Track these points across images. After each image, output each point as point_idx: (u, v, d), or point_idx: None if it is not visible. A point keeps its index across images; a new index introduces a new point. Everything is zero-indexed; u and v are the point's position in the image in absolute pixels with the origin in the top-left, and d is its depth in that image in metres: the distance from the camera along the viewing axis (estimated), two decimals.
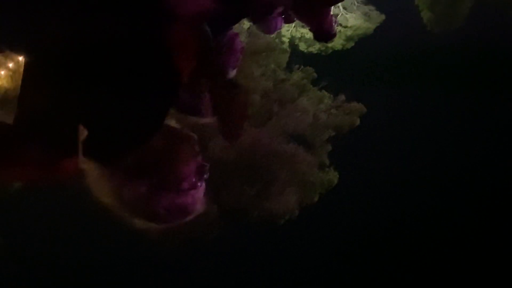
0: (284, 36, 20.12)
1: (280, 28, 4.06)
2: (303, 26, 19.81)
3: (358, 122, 17.74)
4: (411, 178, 19.17)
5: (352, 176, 17.93)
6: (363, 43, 20.51)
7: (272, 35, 17.53)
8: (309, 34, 19.52)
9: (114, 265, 16.54)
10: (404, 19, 20.87)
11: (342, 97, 18.11)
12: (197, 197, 2.52)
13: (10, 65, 14.54)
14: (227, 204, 15.37)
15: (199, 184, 2.49)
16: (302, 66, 18.36)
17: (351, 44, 20.55)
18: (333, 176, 17.12)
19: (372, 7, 20.79)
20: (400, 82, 20.73)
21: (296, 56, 19.11)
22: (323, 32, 3.92)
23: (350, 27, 20.46)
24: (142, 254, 15.88)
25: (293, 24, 19.48)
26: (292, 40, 20.42)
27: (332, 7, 3.95)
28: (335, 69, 19.45)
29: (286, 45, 19.83)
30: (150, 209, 2.45)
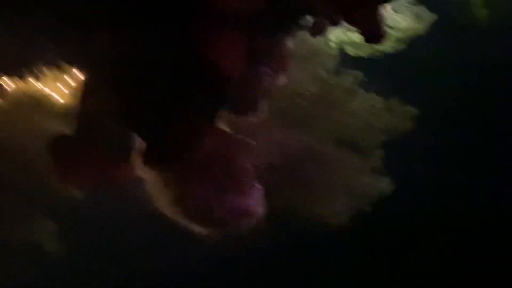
0: (331, 40, 19.99)
1: (326, 32, 4.05)
2: (351, 30, 19.58)
3: (411, 126, 17.32)
4: (469, 185, 18.29)
5: (406, 184, 17.37)
6: (414, 44, 19.93)
7: (320, 39, 17.46)
8: (357, 38, 19.24)
9: (167, 264, 16.85)
10: (458, 18, 20.14)
11: (393, 100, 17.75)
12: (258, 199, 2.59)
13: (73, 84, 15.49)
14: (275, 208, 15.36)
15: (259, 186, 2.57)
16: (350, 70, 18.16)
17: (402, 46, 20.06)
18: (386, 183, 16.74)
19: (422, 7, 20.24)
20: (454, 85, 19.97)
21: (344, 60, 18.92)
22: (372, 34, 3.87)
23: (400, 28, 20.01)
24: (189, 253, 16.04)
25: (341, 28, 19.30)
26: (340, 44, 20.23)
27: (381, 8, 3.89)
28: (385, 72, 19.03)
29: (334, 49, 19.67)
30: (214, 214, 2.54)
